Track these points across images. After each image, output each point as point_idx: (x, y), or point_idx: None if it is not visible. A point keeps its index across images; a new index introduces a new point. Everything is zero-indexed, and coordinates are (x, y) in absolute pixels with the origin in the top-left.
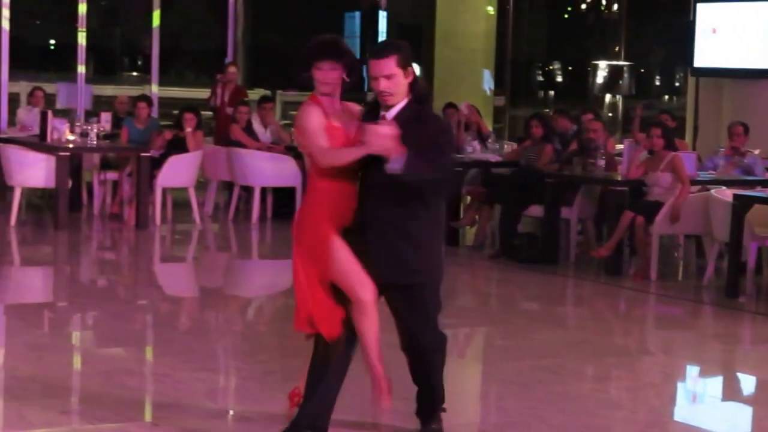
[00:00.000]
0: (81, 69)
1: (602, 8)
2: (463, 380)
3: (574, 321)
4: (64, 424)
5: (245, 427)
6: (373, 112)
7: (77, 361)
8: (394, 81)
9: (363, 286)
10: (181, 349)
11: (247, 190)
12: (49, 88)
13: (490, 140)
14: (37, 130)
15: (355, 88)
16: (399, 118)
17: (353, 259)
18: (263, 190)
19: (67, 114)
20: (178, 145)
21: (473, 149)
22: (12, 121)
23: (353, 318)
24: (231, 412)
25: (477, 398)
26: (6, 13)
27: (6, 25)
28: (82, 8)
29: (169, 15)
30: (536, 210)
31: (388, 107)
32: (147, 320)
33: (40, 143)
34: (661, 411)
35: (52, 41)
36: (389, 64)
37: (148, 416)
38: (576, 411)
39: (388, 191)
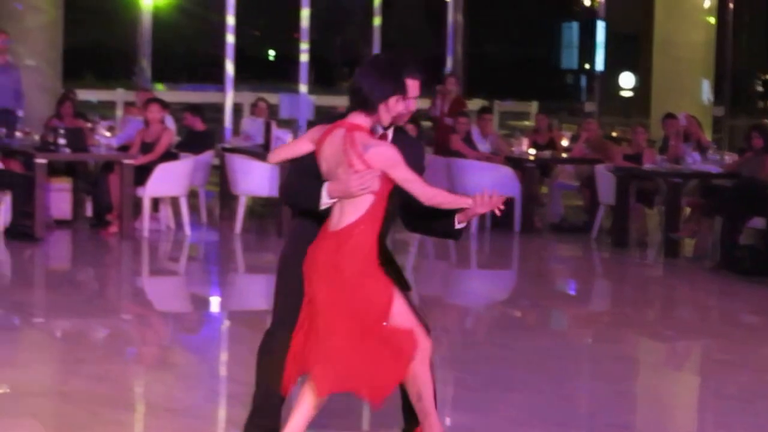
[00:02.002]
0: (302, 81)
1: None
2: (682, 394)
3: None
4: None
5: None
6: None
7: None
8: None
9: (421, 331)
10: None
11: None
12: (271, 98)
13: (710, 151)
14: (260, 140)
15: None
16: (396, 139)
17: (406, 302)
18: None
19: (289, 124)
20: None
21: (693, 160)
22: (236, 131)
23: (416, 375)
24: (447, 421)
25: (696, 413)
26: (232, 26)
27: (231, 38)
28: (305, 20)
29: (387, 26)
30: (758, 221)
31: (387, 127)
32: None
33: (263, 152)
34: None
35: (272, 52)
36: (419, 86)
37: (366, 425)
38: None
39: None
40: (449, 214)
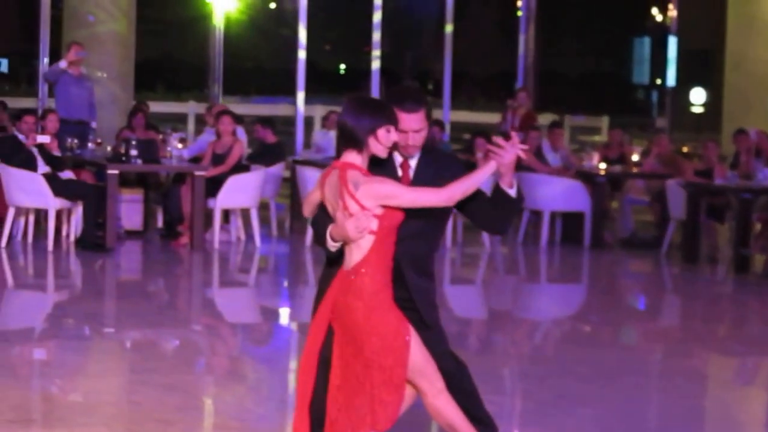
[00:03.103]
0: (373, 94)
1: None
2: (753, 410)
3: None
4: None
5: None
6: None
7: None
8: (420, 135)
9: (439, 374)
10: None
11: (537, 214)
12: None
13: None
14: (332, 153)
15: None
16: (420, 165)
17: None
18: (552, 215)
19: None
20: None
21: (764, 176)
22: (307, 144)
23: (439, 410)
24: None
25: (766, 429)
26: (303, 41)
27: (303, 54)
28: (376, 33)
29: (459, 40)
30: None
31: (406, 157)
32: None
33: None
34: None
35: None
36: (420, 119)
37: None
38: None
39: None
40: (496, 192)
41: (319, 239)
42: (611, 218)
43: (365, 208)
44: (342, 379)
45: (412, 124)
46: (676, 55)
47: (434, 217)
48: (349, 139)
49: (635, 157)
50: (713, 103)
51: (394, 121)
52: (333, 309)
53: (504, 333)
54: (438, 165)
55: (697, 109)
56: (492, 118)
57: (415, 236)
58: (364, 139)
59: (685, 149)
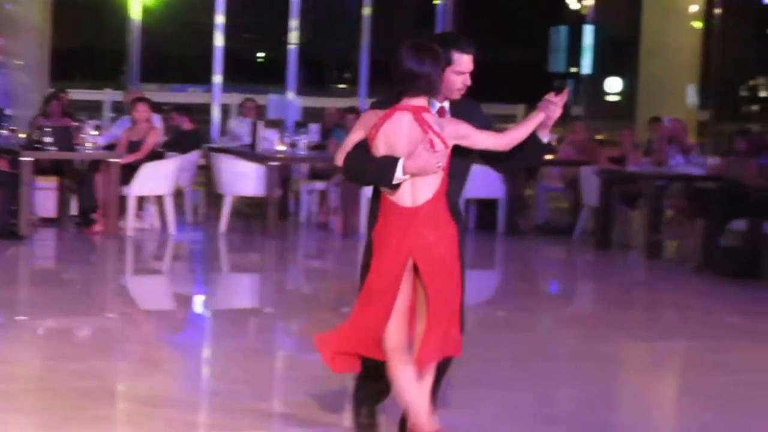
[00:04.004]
0: (290, 83)
1: None
2: (663, 394)
3: None
4: (268, 428)
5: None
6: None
7: (282, 367)
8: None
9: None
10: None
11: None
12: (261, 100)
13: (693, 154)
14: (247, 140)
15: None
16: (453, 110)
17: None
18: (467, 202)
19: (277, 125)
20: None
21: (677, 163)
22: (224, 132)
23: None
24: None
25: (677, 412)
26: (221, 29)
27: (220, 41)
28: (294, 23)
29: (379, 28)
30: (739, 224)
31: (442, 100)
32: None
33: (250, 153)
34: None
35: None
36: (473, 60)
37: (348, 421)
38: None
39: None
40: (532, 139)
41: (358, 175)
42: (526, 205)
43: (448, 147)
44: (421, 305)
45: (469, 65)
46: (592, 44)
47: (465, 158)
48: (418, 85)
49: None
50: (629, 92)
51: (451, 64)
52: (412, 244)
53: None
54: (467, 110)
55: (613, 98)
56: None
57: (452, 176)
58: (436, 84)
59: (600, 137)
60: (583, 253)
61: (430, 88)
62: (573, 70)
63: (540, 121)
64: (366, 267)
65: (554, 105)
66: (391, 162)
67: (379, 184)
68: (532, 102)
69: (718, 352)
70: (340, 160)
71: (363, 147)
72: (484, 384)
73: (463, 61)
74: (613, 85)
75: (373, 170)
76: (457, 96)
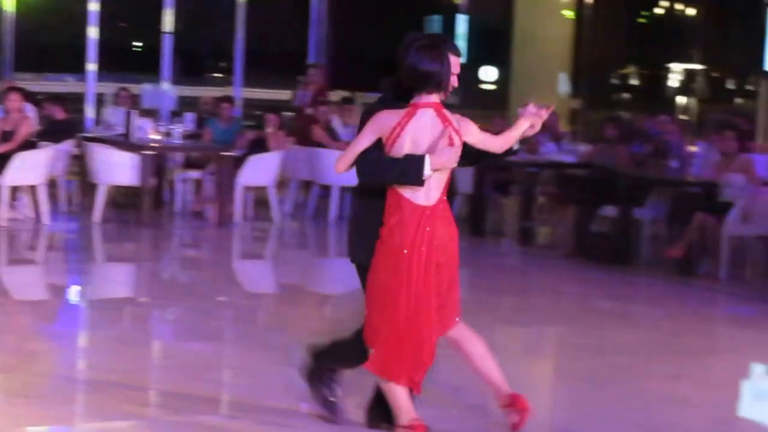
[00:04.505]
0: (166, 72)
1: (678, 13)
2: (535, 377)
3: (646, 320)
4: (143, 417)
5: (321, 423)
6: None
7: (157, 356)
8: None
9: None
10: (260, 344)
11: (326, 189)
12: (136, 89)
13: (564, 141)
14: (122, 130)
15: None
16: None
17: None
18: (342, 189)
19: (152, 114)
20: (260, 145)
21: (548, 150)
22: (99, 121)
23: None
24: (306, 407)
25: (549, 395)
26: (95, 18)
27: (94, 31)
28: (169, 12)
29: (254, 18)
30: (610, 210)
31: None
32: (227, 316)
33: (124, 142)
34: (729, 408)
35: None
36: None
37: (225, 410)
38: (647, 408)
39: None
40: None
41: (379, 175)
42: None
43: (463, 142)
44: (439, 297)
45: (458, 66)
46: (466, 34)
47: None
48: (430, 83)
49: None
50: (503, 81)
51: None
52: (436, 241)
53: (294, 306)
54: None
55: (488, 87)
56: (285, 95)
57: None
58: (446, 81)
59: None
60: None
61: (443, 85)
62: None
63: (526, 128)
64: (370, 268)
65: (539, 118)
66: (417, 159)
67: (406, 183)
68: None
69: (589, 337)
70: (344, 165)
71: (378, 148)
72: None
73: (455, 62)
74: (489, 74)
75: (399, 169)
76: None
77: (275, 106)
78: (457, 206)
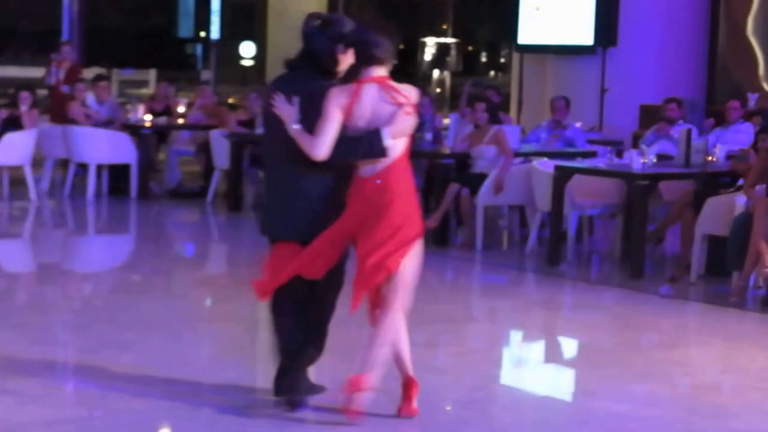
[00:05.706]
0: None
1: None
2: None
3: None
4: None
5: (85, 396)
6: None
7: None
8: None
9: None
10: (17, 323)
11: (83, 167)
12: None
13: None
14: None
15: None
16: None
17: None
18: (99, 167)
19: None
20: (14, 124)
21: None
22: None
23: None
24: (71, 384)
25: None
26: None
27: None
28: None
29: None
30: None
31: None
32: None
33: None
34: (486, 375)
35: None
36: None
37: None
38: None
39: None
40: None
41: (348, 154)
42: (158, 169)
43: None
44: (367, 247)
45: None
46: (220, 9)
47: None
48: (377, 58)
49: (181, 109)
50: (260, 57)
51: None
52: (369, 200)
53: (52, 286)
54: None
55: (247, 63)
56: (38, 72)
57: None
58: (391, 56)
59: (231, 101)
60: (215, 215)
61: (381, 59)
62: (202, 34)
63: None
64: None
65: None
66: (375, 133)
67: (373, 156)
68: (161, 67)
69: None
70: (325, 149)
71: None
72: (111, 348)
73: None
74: (247, 50)
75: (365, 145)
76: None
77: (28, 84)
78: (216, 181)
